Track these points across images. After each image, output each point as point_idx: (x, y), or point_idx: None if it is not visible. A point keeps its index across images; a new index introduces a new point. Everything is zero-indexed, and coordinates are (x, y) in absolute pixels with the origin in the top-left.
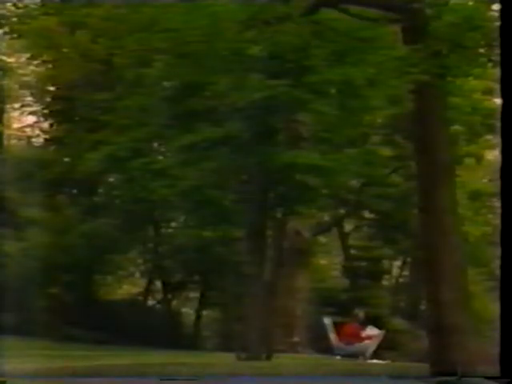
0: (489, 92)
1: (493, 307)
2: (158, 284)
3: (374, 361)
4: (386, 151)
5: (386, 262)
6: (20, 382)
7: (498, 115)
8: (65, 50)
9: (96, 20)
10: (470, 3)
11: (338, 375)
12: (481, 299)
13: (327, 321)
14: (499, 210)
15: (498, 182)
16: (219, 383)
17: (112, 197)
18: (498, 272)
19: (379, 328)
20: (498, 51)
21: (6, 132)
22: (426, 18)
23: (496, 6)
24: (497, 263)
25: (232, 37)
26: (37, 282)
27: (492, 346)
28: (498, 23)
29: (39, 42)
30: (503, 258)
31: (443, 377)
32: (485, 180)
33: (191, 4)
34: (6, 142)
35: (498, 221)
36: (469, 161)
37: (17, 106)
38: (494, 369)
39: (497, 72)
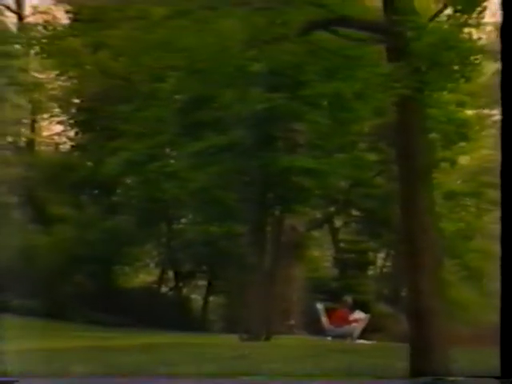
0: (461, 104)
1: (466, 294)
2: (170, 273)
3: (361, 341)
4: (372, 156)
5: (371, 254)
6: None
7: (471, 125)
8: (88, 67)
9: (116, 40)
10: (445, 27)
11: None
12: (455, 287)
13: (319, 306)
14: (472, 208)
15: (470, 184)
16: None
17: (129, 197)
18: (471, 263)
19: (365, 312)
20: (470, 68)
21: (37, 139)
22: (407, 39)
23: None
24: (470, 256)
25: (236, 55)
26: (63, 271)
27: (465, 328)
28: (469, 44)
29: (66, 60)
30: (503, 257)
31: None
32: (458, 182)
33: (200, 25)
34: (36, 148)
35: (470, 217)
36: (444, 165)
37: (46, 116)
38: (466, 347)
39: (468, 87)
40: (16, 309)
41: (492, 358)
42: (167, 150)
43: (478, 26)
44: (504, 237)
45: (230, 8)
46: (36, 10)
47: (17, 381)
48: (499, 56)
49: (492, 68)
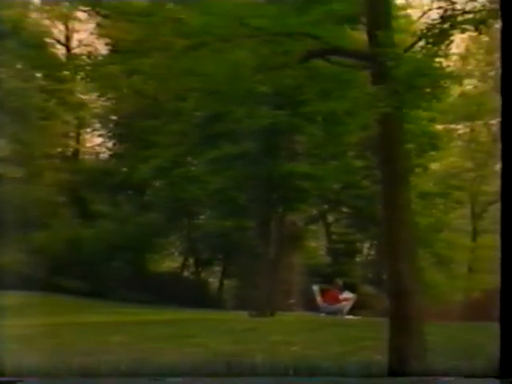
0: (433, 120)
1: (436, 277)
2: (191, 260)
3: (349, 317)
4: (359, 163)
5: (358, 244)
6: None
7: (440, 137)
8: (124, 89)
9: (147, 67)
10: (419, 56)
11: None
12: (427, 271)
13: (315, 287)
14: (441, 206)
15: (439, 186)
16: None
17: (158, 197)
18: (440, 251)
19: (353, 292)
20: (440, 90)
21: (81, 149)
22: (388, 66)
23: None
24: (439, 245)
25: (246, 79)
26: (104, 258)
27: (435, 305)
28: (439, 71)
29: (105, 84)
30: (503, 257)
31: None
32: (430, 184)
33: (216, 54)
34: (80, 157)
35: (439, 214)
36: (418, 170)
37: (89, 130)
38: (436, 322)
39: (439, 105)
40: (65, 289)
41: (460, 332)
42: (189, 158)
43: (446, 56)
44: (504, 237)
45: (241, 40)
46: (81, 43)
47: (20, 381)
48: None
49: (457, 90)
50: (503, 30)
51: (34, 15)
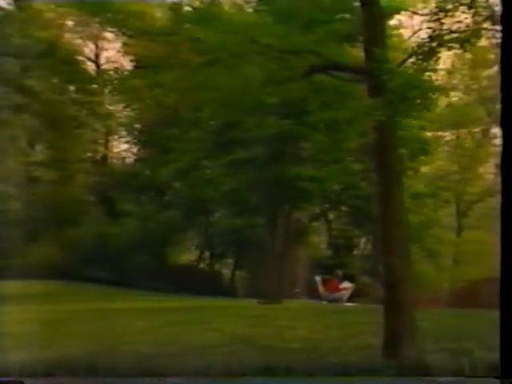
0: (423, 128)
1: (425, 269)
2: (207, 254)
3: (348, 304)
4: (357, 166)
5: (356, 240)
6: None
7: (429, 143)
8: (147, 101)
9: (167, 81)
10: (411, 71)
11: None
12: (418, 264)
13: (317, 278)
14: (430, 205)
15: (429, 187)
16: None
17: (177, 197)
18: (429, 246)
19: (351, 282)
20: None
21: (109, 155)
22: (383, 80)
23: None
24: (429, 240)
25: (256, 91)
26: (129, 252)
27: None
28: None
29: (130, 96)
30: (503, 257)
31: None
32: (421, 185)
33: (230, 70)
34: (108, 161)
35: (429, 212)
36: (410, 172)
37: (116, 137)
38: (425, 308)
39: (428, 115)
40: (95, 280)
41: (447, 317)
42: (205, 162)
43: (434, 70)
44: (504, 238)
45: (252, 56)
46: (109, 60)
47: (21, 381)
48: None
49: (444, 101)
50: (503, 30)
51: (67, 35)
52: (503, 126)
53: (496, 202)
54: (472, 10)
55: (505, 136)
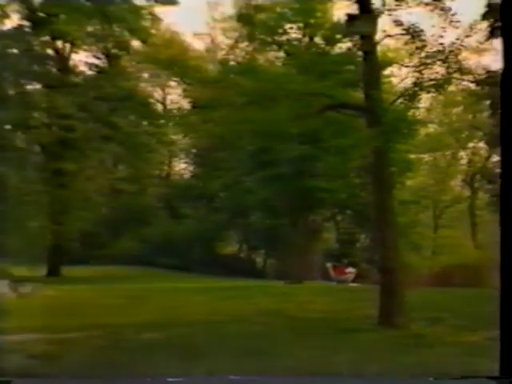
0: (408, 151)
1: (411, 259)
2: (245, 246)
3: (352, 284)
4: (358, 180)
5: (357, 236)
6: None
7: (413, 163)
8: (201, 132)
9: (216, 116)
10: (399, 108)
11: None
12: (405, 254)
13: (329, 264)
14: (414, 210)
15: (413, 196)
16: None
17: (223, 204)
18: (413, 240)
19: (354, 268)
20: (413, 131)
21: (171, 172)
22: (378, 116)
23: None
24: (413, 236)
25: (283, 124)
26: (188, 245)
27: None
28: (413, 118)
29: (188, 128)
30: (503, 257)
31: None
32: (406, 195)
33: (263, 110)
34: (171, 177)
35: (412, 215)
36: (399, 185)
37: (177, 159)
38: (411, 289)
39: (412, 141)
40: (164, 265)
41: (428, 294)
42: (244, 178)
43: (416, 108)
44: (504, 239)
45: (280, 98)
46: (172, 102)
47: (11, 381)
48: (427, 125)
49: (424, 131)
50: (503, 31)
51: (143, 84)
52: (503, 125)
53: (462, 207)
54: (445, 64)
55: (504, 139)
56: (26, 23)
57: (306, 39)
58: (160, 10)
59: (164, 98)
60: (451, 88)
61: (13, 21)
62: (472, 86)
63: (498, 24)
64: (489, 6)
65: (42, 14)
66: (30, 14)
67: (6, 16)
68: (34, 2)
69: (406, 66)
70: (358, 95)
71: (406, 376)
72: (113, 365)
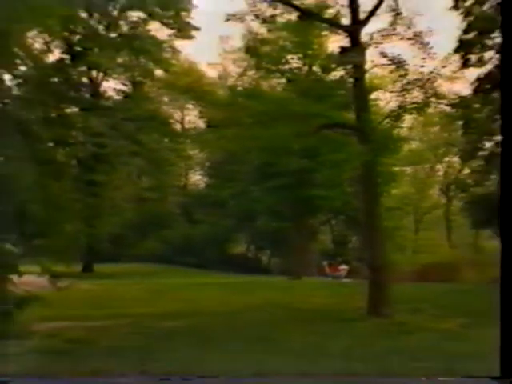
0: (393, 164)
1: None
2: (252, 247)
3: (345, 280)
4: (350, 189)
5: (349, 237)
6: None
7: (397, 175)
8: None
9: (228, 135)
10: (386, 127)
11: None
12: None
13: (324, 262)
14: (397, 215)
15: (397, 203)
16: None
17: (233, 210)
18: (397, 241)
19: (347, 265)
20: (397, 147)
21: (188, 183)
22: (367, 134)
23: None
24: (397, 239)
25: (285, 141)
26: (203, 246)
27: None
28: (398, 136)
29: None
30: (503, 258)
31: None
32: (392, 202)
33: (269, 128)
34: (188, 187)
35: (397, 220)
36: (385, 194)
37: (193, 171)
38: (396, 284)
39: (396, 156)
40: (182, 263)
41: (408, 289)
42: (251, 187)
43: (400, 127)
44: (504, 239)
45: (283, 119)
46: (190, 122)
47: (9, 381)
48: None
49: (407, 147)
50: (503, 31)
51: (164, 106)
52: (503, 126)
53: (439, 212)
54: (423, 90)
55: (504, 138)
56: (65, 56)
57: (306, 68)
58: (179, 44)
59: (182, 119)
60: (430, 110)
61: (55, 55)
62: (447, 108)
63: (469, 56)
64: (460, 41)
65: (79, 48)
66: (68, 48)
67: (50, 51)
68: (73, 39)
69: (391, 91)
70: (350, 116)
71: (402, 373)
72: (139, 348)
